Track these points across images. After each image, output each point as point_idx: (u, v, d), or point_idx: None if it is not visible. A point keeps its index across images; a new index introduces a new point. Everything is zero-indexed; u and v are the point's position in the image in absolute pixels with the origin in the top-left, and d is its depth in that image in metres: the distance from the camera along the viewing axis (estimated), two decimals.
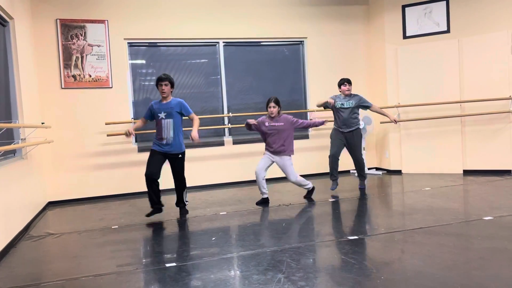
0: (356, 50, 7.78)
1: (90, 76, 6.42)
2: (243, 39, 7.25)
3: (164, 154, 4.80)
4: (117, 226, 4.69)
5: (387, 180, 6.78)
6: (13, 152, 4.82)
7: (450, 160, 6.93)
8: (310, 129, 7.55)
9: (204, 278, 2.96)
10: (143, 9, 6.68)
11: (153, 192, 4.81)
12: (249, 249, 3.55)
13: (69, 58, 6.32)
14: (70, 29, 6.32)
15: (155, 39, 6.81)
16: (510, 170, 6.55)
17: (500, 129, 6.60)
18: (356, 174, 6.06)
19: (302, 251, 3.40)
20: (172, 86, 4.83)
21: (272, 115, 5.28)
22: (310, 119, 5.54)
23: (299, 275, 2.88)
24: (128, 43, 6.70)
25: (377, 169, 7.80)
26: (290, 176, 5.32)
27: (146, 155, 6.48)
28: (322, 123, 5.44)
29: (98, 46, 6.45)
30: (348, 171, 7.65)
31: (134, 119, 6.66)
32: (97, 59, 6.44)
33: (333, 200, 5.43)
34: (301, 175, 7.31)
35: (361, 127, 5.91)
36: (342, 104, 5.73)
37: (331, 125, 6.05)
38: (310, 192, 5.58)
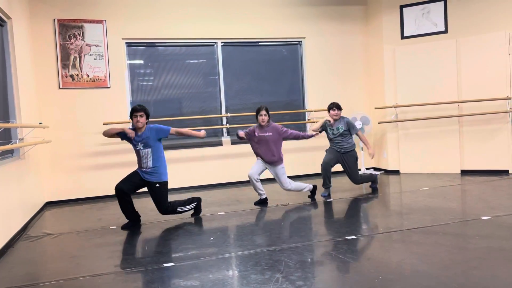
0: (354, 50, 7.79)
1: (88, 76, 6.42)
2: (241, 39, 7.26)
3: (143, 180, 4.64)
4: (115, 226, 4.69)
5: (385, 180, 6.79)
6: (10, 152, 4.82)
7: (448, 160, 6.94)
8: (307, 129, 7.55)
9: (202, 278, 2.96)
10: (141, 9, 6.68)
11: (125, 207, 4.62)
12: (247, 249, 3.56)
13: (67, 58, 6.31)
14: (68, 29, 6.31)
15: (153, 39, 6.81)
16: (508, 170, 6.57)
17: (498, 129, 6.62)
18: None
19: (300, 251, 3.41)
20: (148, 117, 4.59)
21: (263, 123, 5.22)
22: (312, 131, 5.52)
23: (297, 275, 2.88)
24: (126, 43, 6.70)
25: (375, 169, 7.81)
26: (283, 185, 5.32)
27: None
28: (312, 136, 5.42)
29: (96, 46, 6.44)
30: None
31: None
32: (95, 59, 6.43)
33: (331, 200, 5.43)
34: (298, 176, 7.40)
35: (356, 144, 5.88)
36: (333, 130, 5.68)
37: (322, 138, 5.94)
38: (312, 192, 5.59)
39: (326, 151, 5.84)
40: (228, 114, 7.13)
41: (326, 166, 5.66)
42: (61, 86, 6.31)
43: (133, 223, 4.67)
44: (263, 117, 5.21)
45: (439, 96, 6.91)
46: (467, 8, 6.76)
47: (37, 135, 5.58)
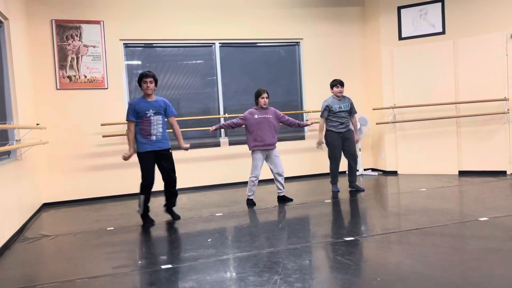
0: (352, 51, 7.79)
1: (86, 77, 6.40)
2: (239, 40, 7.25)
3: (155, 153, 4.63)
4: (112, 228, 4.67)
5: (382, 181, 6.79)
6: (7, 153, 4.79)
7: (446, 161, 6.95)
8: (306, 130, 7.55)
9: (200, 280, 2.95)
10: (138, 9, 6.67)
11: (148, 201, 4.72)
12: (245, 250, 3.55)
13: (64, 59, 6.29)
14: (65, 30, 6.29)
15: (151, 40, 6.80)
16: (505, 171, 6.58)
17: (495, 130, 6.63)
18: (349, 179, 6.00)
19: (298, 253, 3.40)
20: (156, 83, 4.67)
21: (265, 105, 5.29)
22: (306, 120, 5.52)
23: (295, 277, 2.87)
24: (123, 43, 6.68)
25: (373, 170, 7.81)
26: (280, 168, 5.33)
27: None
28: (307, 125, 5.48)
29: (94, 47, 6.43)
30: (344, 172, 7.65)
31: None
32: (92, 60, 6.42)
33: (329, 201, 5.43)
34: (296, 177, 7.40)
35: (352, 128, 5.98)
36: (340, 107, 5.77)
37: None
38: (285, 197, 5.55)
39: (330, 143, 5.78)
40: (226, 115, 7.12)
41: (338, 165, 5.87)
42: (58, 87, 6.29)
43: (151, 221, 4.76)
44: (265, 100, 5.27)
45: (436, 97, 6.92)
46: (465, 9, 6.77)
47: (34, 136, 5.56)
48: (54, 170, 6.30)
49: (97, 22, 6.45)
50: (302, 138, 7.57)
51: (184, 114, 7.00)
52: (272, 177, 5.55)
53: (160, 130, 4.64)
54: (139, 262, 3.45)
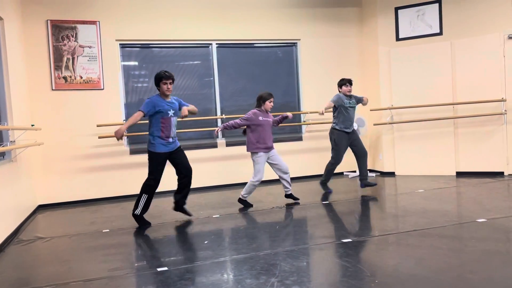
0: (349, 52, 7.78)
1: (81, 77, 6.36)
2: (236, 41, 7.23)
3: (169, 154, 4.66)
4: (108, 230, 4.64)
5: (380, 182, 6.77)
6: (2, 154, 4.75)
7: (443, 162, 6.94)
8: (304, 131, 7.54)
9: (197, 282, 2.91)
10: (135, 10, 6.64)
11: (150, 202, 4.71)
12: (242, 252, 3.52)
13: (60, 59, 6.25)
14: (61, 30, 6.25)
15: (147, 41, 6.77)
16: (503, 172, 6.57)
17: (493, 131, 6.63)
18: (359, 172, 5.94)
19: (296, 254, 3.37)
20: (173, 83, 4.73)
21: (269, 110, 5.30)
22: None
23: (292, 279, 2.85)
24: (120, 44, 6.65)
25: (370, 171, 7.80)
26: (285, 164, 5.33)
27: (138, 157, 6.50)
28: (286, 117, 5.37)
29: (90, 47, 6.39)
30: (341, 173, 7.64)
31: (126, 121, 6.59)
32: (88, 60, 6.38)
33: (326, 202, 5.41)
34: (293, 178, 7.37)
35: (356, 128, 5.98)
36: (350, 103, 5.76)
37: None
38: (293, 196, 5.52)
39: (339, 142, 5.72)
40: (223, 116, 7.09)
41: (339, 163, 5.86)
42: (53, 88, 6.25)
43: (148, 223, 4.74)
44: (272, 104, 5.30)
45: (434, 98, 6.92)
46: (462, 10, 6.77)
47: (29, 137, 5.52)
48: (50, 172, 6.25)
49: (93, 23, 6.41)
50: (300, 139, 7.55)
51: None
52: (270, 178, 5.53)
53: (175, 131, 4.72)
54: (135, 264, 3.42)
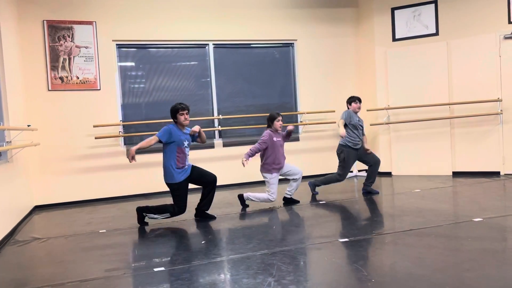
0: (346, 52, 7.80)
1: (78, 78, 6.35)
2: (233, 41, 7.23)
3: (188, 179, 4.73)
4: (105, 230, 4.62)
5: (377, 182, 6.78)
6: None
7: (440, 162, 6.96)
8: (301, 131, 7.55)
9: (194, 282, 2.91)
10: (131, 10, 6.63)
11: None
12: (239, 252, 3.52)
13: (56, 59, 6.23)
14: (57, 31, 6.24)
15: (144, 41, 6.76)
16: (499, 172, 6.60)
17: (489, 131, 6.66)
18: (367, 176, 5.89)
19: (293, 254, 3.37)
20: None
21: (280, 129, 5.30)
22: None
23: (289, 279, 2.85)
24: (116, 44, 6.64)
25: (367, 171, 7.80)
26: (298, 171, 5.36)
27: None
28: (291, 131, 5.38)
29: (86, 47, 6.37)
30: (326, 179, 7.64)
31: (122, 122, 6.59)
32: (84, 60, 6.36)
33: (323, 202, 5.41)
34: (308, 176, 7.35)
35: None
36: (359, 120, 5.70)
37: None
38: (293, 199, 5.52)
39: (347, 159, 5.64)
40: (220, 116, 7.09)
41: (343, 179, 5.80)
42: (50, 88, 6.23)
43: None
44: (281, 123, 5.29)
45: (430, 98, 6.94)
46: (458, 11, 6.79)
47: (25, 137, 5.50)
48: (46, 172, 6.23)
49: (90, 23, 6.40)
50: (297, 139, 7.55)
51: None
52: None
53: (189, 160, 4.79)
54: (132, 264, 3.41)
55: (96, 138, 6.32)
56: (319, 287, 2.70)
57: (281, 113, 5.46)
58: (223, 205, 5.62)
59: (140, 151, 4.85)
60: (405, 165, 7.23)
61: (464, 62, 6.74)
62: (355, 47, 7.85)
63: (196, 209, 4.92)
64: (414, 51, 7.06)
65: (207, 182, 4.79)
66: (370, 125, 7.43)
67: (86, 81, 6.39)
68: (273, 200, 5.23)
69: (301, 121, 7.53)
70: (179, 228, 4.56)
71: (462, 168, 6.86)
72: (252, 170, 6.86)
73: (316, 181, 5.98)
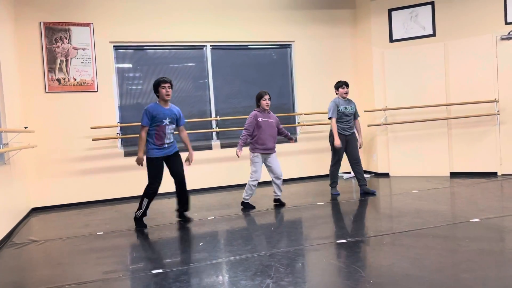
0: (343, 54, 7.81)
1: (75, 79, 6.33)
2: (231, 43, 7.23)
3: (165, 157, 4.68)
4: (102, 232, 4.61)
5: (374, 183, 6.79)
6: None
7: (437, 163, 6.98)
8: (298, 132, 7.56)
9: (192, 284, 2.91)
10: (129, 12, 6.62)
11: (149, 206, 4.73)
12: (237, 254, 3.51)
13: (53, 61, 6.22)
14: (54, 32, 6.22)
15: (141, 43, 6.75)
16: (496, 172, 6.61)
17: (486, 132, 6.67)
18: (356, 179, 5.87)
19: (291, 256, 3.37)
20: (172, 88, 4.73)
21: (267, 107, 5.24)
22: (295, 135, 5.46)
23: (287, 280, 2.85)
24: (114, 46, 6.63)
25: (365, 172, 7.81)
26: (280, 169, 5.29)
27: (132, 160, 6.47)
28: (291, 139, 5.51)
29: (83, 49, 6.36)
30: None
31: (120, 123, 6.58)
32: (82, 62, 6.35)
33: (321, 203, 5.41)
34: (288, 179, 7.37)
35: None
36: (346, 108, 5.70)
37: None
38: (280, 201, 5.49)
39: (334, 145, 5.67)
40: (218, 118, 7.09)
41: (339, 166, 5.81)
42: (47, 90, 6.21)
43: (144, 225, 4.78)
44: (268, 101, 5.23)
45: (428, 99, 6.95)
46: (455, 12, 6.81)
47: (22, 139, 5.48)
48: (43, 174, 6.21)
49: (87, 25, 6.39)
50: (294, 140, 7.54)
51: None
52: (264, 180, 5.52)
53: (171, 139, 4.72)
54: (130, 267, 3.40)
55: (93, 140, 6.31)
56: None
57: (279, 114, 5.46)
58: (221, 206, 5.61)
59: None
60: (403, 166, 7.24)
61: (461, 63, 6.76)
62: (353, 48, 7.87)
63: (176, 210, 4.93)
64: (411, 52, 7.08)
65: (174, 176, 4.72)
66: (368, 126, 7.43)
67: (84, 82, 6.38)
68: (252, 181, 5.16)
69: (298, 122, 7.53)
70: (177, 230, 4.55)
71: (460, 169, 6.87)
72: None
73: (329, 183, 5.97)
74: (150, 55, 6.88)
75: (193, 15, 6.94)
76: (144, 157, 4.64)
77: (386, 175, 7.38)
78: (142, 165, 4.68)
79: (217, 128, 7.11)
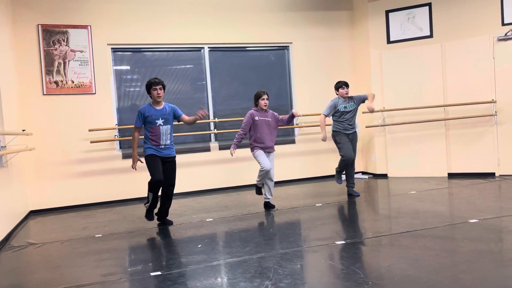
0: (341, 55, 7.82)
1: (73, 82, 6.33)
2: (228, 44, 7.23)
3: (162, 158, 4.65)
4: (101, 235, 4.60)
5: (373, 184, 6.80)
6: None
7: (435, 164, 6.99)
8: (296, 134, 7.56)
9: (190, 286, 2.90)
10: (126, 14, 6.62)
11: (156, 197, 4.68)
12: (236, 256, 3.51)
13: (51, 64, 6.21)
14: (52, 35, 6.22)
15: (139, 45, 6.75)
16: (494, 173, 6.63)
17: (484, 132, 6.69)
18: (347, 182, 5.87)
19: (290, 257, 3.37)
20: (164, 89, 4.72)
21: (265, 107, 5.22)
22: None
23: (286, 282, 2.84)
24: (111, 48, 6.62)
25: (363, 173, 7.83)
26: (273, 171, 5.26)
27: (130, 162, 6.44)
28: (293, 116, 5.30)
29: (81, 51, 6.36)
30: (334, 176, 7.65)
31: (118, 125, 6.57)
32: (80, 64, 6.35)
33: (320, 205, 5.41)
34: (286, 181, 7.38)
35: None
36: (346, 107, 5.67)
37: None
38: (270, 204, 5.42)
39: (339, 140, 5.64)
40: (216, 120, 7.09)
41: (349, 161, 5.65)
42: (45, 92, 6.21)
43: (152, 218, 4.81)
44: (266, 101, 5.22)
45: (425, 100, 6.97)
46: (452, 13, 6.83)
47: (20, 142, 5.47)
48: (41, 177, 6.20)
49: (84, 27, 6.39)
50: (293, 142, 7.56)
51: None
52: None
53: (169, 140, 4.70)
54: (128, 269, 3.40)
55: (91, 142, 6.30)
56: None
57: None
58: (219, 208, 5.61)
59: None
60: (401, 167, 7.25)
61: (458, 64, 6.78)
62: (350, 49, 7.88)
63: (156, 214, 4.89)
64: (409, 54, 7.10)
65: (164, 182, 4.65)
66: (366, 127, 7.45)
67: (81, 85, 6.37)
68: (263, 169, 5.10)
69: (297, 124, 7.54)
70: (176, 232, 4.55)
71: (458, 170, 6.88)
72: (250, 173, 6.88)
73: (336, 168, 5.90)
74: (148, 57, 6.88)
75: (190, 17, 6.94)
76: (143, 159, 4.65)
77: (384, 176, 7.38)
78: (135, 169, 4.68)
79: (215, 129, 7.11)
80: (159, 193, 4.71)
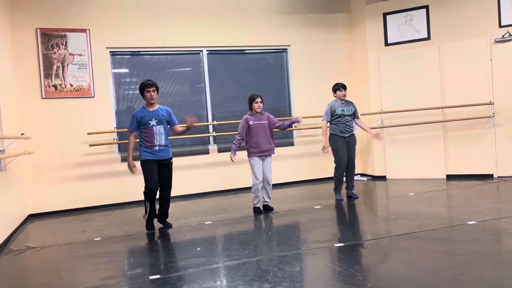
0: (339, 58, 7.84)
1: (72, 85, 6.33)
2: (227, 47, 7.25)
3: (158, 161, 4.67)
4: (100, 238, 4.60)
5: (371, 186, 6.81)
6: None
7: (433, 165, 7.00)
8: (295, 136, 7.57)
9: None
10: (125, 17, 6.63)
11: (154, 209, 4.74)
12: (235, 259, 3.51)
13: (49, 67, 6.22)
14: (50, 38, 6.23)
15: (138, 48, 6.76)
16: (492, 174, 6.64)
17: (482, 134, 6.71)
18: (346, 184, 5.87)
19: (288, 260, 3.38)
20: (158, 91, 4.74)
21: (259, 110, 5.21)
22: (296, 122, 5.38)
23: (285, 285, 2.85)
24: (110, 52, 6.63)
25: (361, 175, 7.84)
26: (270, 175, 5.27)
27: None
28: (297, 121, 5.28)
29: (80, 55, 6.37)
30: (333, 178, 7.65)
31: (117, 129, 6.58)
32: (78, 68, 6.35)
33: (318, 207, 5.42)
34: (285, 183, 7.39)
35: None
36: (343, 110, 5.66)
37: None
38: (268, 207, 5.43)
39: (335, 146, 5.62)
40: (215, 122, 7.10)
41: (345, 168, 5.68)
42: (44, 96, 6.21)
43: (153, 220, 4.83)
44: (259, 104, 5.21)
45: (423, 102, 6.98)
46: (449, 15, 6.86)
47: (19, 146, 5.47)
48: (40, 181, 6.20)
49: (83, 31, 6.40)
50: (291, 144, 7.57)
51: None
52: None
53: (163, 141, 4.71)
54: (128, 272, 3.40)
55: (90, 145, 6.30)
56: None
57: (275, 118, 5.45)
58: (218, 211, 5.61)
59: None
60: (399, 169, 7.26)
61: (456, 66, 6.80)
62: (348, 52, 7.90)
63: (156, 215, 4.91)
64: (407, 56, 7.12)
65: (161, 185, 4.71)
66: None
67: (80, 88, 6.38)
68: (253, 185, 5.17)
69: (295, 126, 7.55)
70: (175, 235, 4.55)
71: (456, 171, 6.90)
72: (249, 175, 6.87)
73: (334, 189, 5.85)
74: (147, 60, 6.89)
75: (189, 20, 6.96)
76: (139, 162, 4.67)
77: (383, 178, 7.40)
78: (132, 172, 4.70)
79: (214, 132, 7.12)
80: (157, 196, 4.72)
